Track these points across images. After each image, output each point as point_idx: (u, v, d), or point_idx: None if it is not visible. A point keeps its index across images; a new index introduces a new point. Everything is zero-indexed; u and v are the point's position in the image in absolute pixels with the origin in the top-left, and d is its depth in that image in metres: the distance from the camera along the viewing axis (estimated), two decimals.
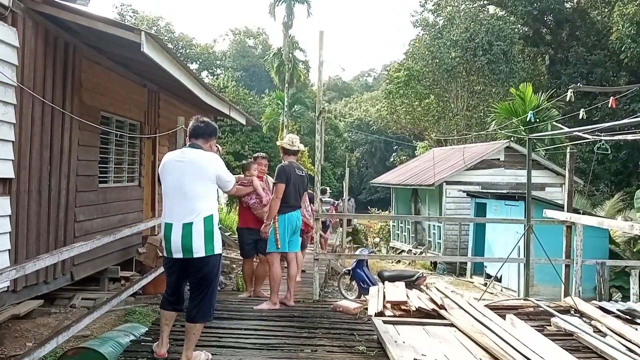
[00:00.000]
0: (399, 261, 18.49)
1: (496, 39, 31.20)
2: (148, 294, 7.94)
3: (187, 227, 4.14)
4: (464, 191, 17.81)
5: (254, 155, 7.88)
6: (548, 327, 5.66)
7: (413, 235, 21.36)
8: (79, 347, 4.62)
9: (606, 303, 6.56)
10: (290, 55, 36.31)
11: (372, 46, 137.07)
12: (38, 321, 6.47)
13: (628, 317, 5.83)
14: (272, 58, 38.16)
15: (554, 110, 21.07)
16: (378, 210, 32.20)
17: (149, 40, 6.24)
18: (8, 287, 5.79)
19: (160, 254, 7.10)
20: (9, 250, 5.88)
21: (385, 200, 34.53)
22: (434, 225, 19.26)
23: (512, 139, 18.98)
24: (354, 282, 9.47)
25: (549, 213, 8.56)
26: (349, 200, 19.54)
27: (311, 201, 8.67)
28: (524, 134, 17.80)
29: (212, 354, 4.51)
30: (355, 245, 19.48)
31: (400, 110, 35.70)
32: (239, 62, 58.87)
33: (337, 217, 17.64)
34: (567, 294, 7.58)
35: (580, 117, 8.69)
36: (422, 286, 7.54)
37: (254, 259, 7.58)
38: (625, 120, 7.73)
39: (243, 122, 15.26)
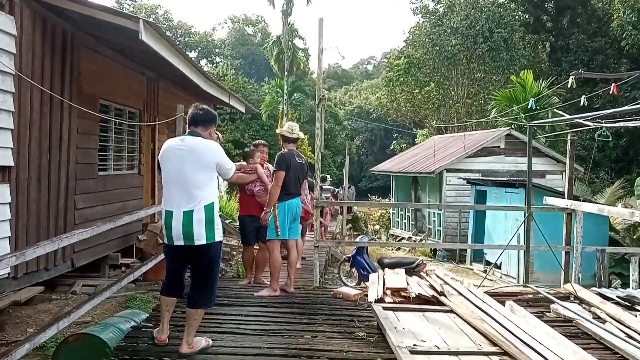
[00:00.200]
0: (398, 248, 18.53)
1: (497, 26, 31.05)
2: (148, 281, 7.98)
3: (188, 215, 4.14)
4: (464, 179, 17.81)
5: (254, 142, 7.85)
6: (547, 314, 5.67)
7: (413, 222, 21.40)
8: (79, 333, 4.64)
9: (606, 290, 6.59)
10: (290, 43, 36.12)
11: (372, 34, 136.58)
12: (39, 307, 6.52)
13: (627, 303, 5.84)
14: (272, 46, 37.97)
15: (554, 97, 21.00)
16: (378, 197, 32.22)
17: (148, 29, 6.22)
18: (9, 273, 5.82)
19: (161, 241, 7.12)
20: (9, 237, 5.90)
21: (386, 188, 34.54)
22: (434, 213, 19.27)
23: (512, 126, 18.94)
24: (354, 269, 9.49)
25: (550, 200, 8.56)
26: (349, 188, 19.50)
27: (311, 189, 8.66)
28: (525, 121, 17.80)
29: (213, 340, 4.53)
30: (355, 233, 19.50)
31: (401, 98, 35.61)
32: (238, 50, 58.63)
33: (336, 205, 17.63)
34: (566, 280, 7.61)
35: (582, 104, 8.69)
36: (421, 273, 7.55)
37: (254, 246, 7.59)
38: (626, 107, 7.73)
39: (242, 110, 15.25)
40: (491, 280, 12.80)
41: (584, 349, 4.38)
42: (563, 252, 8.12)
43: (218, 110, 18.17)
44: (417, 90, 34.70)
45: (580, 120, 7.93)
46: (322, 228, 14.08)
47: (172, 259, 4.45)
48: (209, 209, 4.21)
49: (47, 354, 4.99)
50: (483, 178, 17.35)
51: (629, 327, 5.00)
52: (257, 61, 56.87)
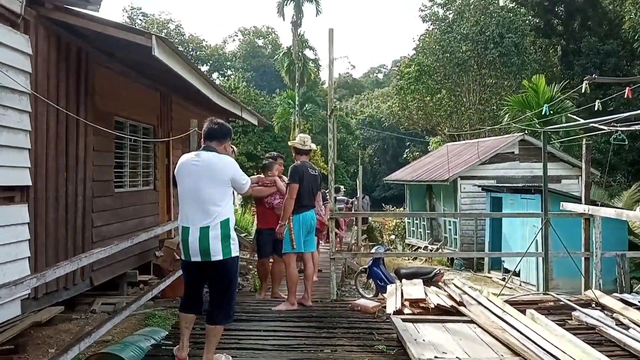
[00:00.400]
0: (415, 258, 18.42)
1: (507, 31, 30.96)
2: (167, 297, 7.98)
3: (204, 231, 4.15)
4: (479, 186, 17.68)
5: (270, 154, 7.80)
6: (569, 321, 5.59)
7: (429, 231, 21.27)
8: (100, 353, 4.66)
9: (627, 295, 6.49)
10: (300, 54, 36.36)
11: (382, 42, 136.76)
12: (59, 327, 6.53)
13: None
14: (282, 57, 38.26)
15: (567, 101, 20.86)
16: (392, 207, 32.11)
17: (160, 44, 6.26)
18: (29, 294, 5.84)
19: (178, 257, 7.13)
20: (28, 257, 5.94)
21: (400, 197, 34.43)
22: (449, 221, 19.15)
23: (526, 131, 18.80)
24: (371, 281, 9.45)
25: (567, 206, 8.46)
26: (363, 197, 19.50)
27: (323, 200, 8.63)
28: (538, 126, 17.66)
29: (232, 356, 4.51)
30: (370, 243, 19.45)
31: (412, 106, 35.52)
32: (249, 63, 58.99)
33: (351, 216, 17.60)
34: (587, 287, 7.50)
35: (596, 108, 8.58)
36: (439, 283, 7.51)
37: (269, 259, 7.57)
38: None
39: (255, 122, 15.28)
40: (510, 288, 12.66)
41: (609, 356, 4.31)
42: (582, 258, 8.01)
43: (231, 123, 18.24)
44: (428, 98, 34.60)
45: (596, 125, 7.85)
46: (338, 239, 14.06)
47: (190, 275, 4.45)
48: (224, 224, 4.21)
49: None
50: (498, 185, 17.23)
51: None
52: (268, 73, 57.18)
